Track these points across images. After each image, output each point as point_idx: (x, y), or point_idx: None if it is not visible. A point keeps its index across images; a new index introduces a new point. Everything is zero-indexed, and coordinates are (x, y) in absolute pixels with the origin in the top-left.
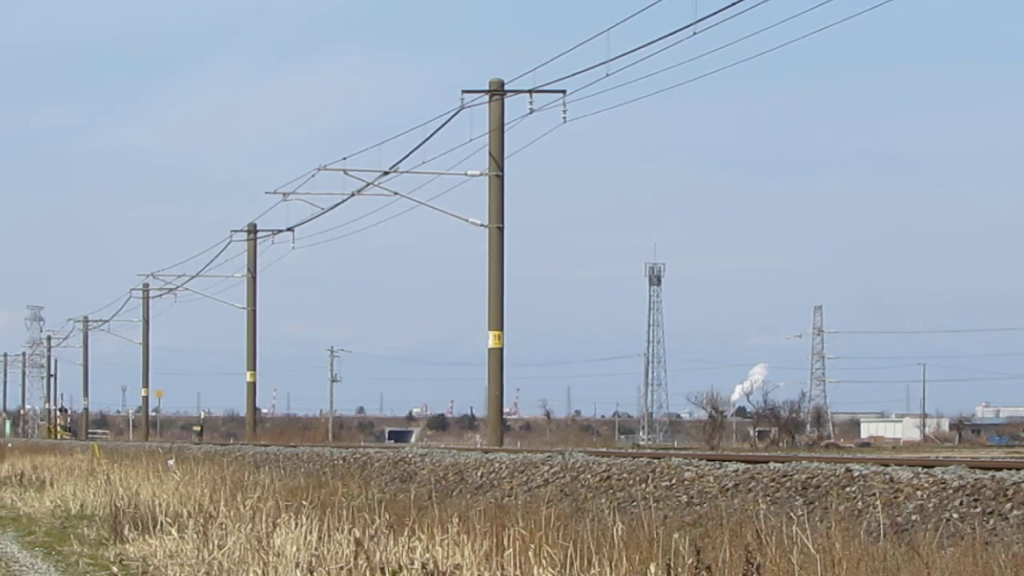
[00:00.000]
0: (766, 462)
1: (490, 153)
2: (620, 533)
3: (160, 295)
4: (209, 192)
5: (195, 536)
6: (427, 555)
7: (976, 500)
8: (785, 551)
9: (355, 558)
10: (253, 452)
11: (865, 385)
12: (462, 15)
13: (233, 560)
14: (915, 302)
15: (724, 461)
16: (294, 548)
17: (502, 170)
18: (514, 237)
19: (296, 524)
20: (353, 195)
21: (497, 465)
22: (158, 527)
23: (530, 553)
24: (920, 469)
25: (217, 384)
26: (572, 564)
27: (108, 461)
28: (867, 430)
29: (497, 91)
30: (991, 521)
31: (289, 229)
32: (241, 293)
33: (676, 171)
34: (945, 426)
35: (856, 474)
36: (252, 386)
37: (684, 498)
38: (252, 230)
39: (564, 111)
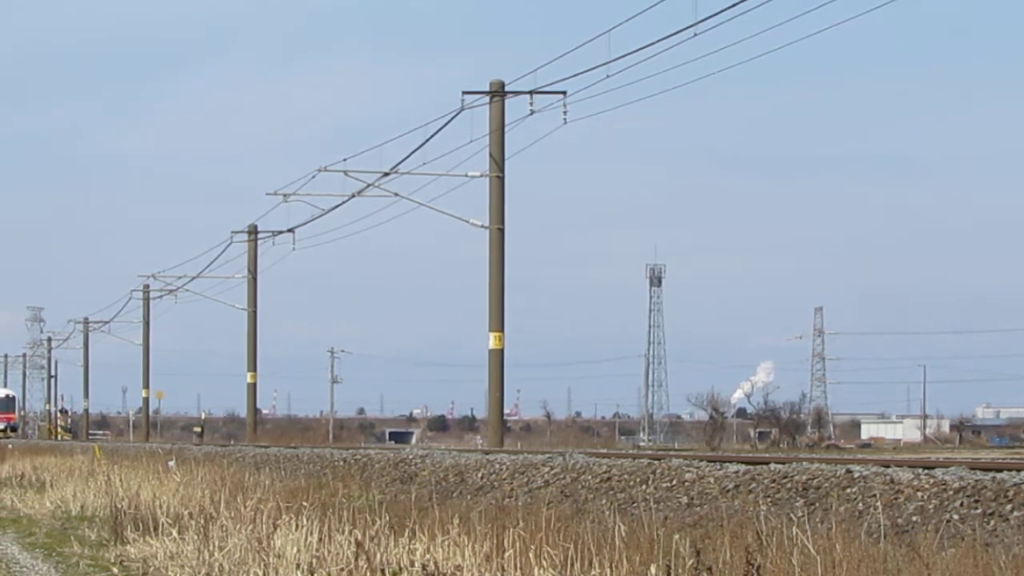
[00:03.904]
0: (767, 463)
1: (490, 154)
2: (621, 534)
3: (161, 296)
4: (209, 193)
5: (196, 537)
6: (428, 556)
7: (977, 501)
8: (786, 552)
9: (356, 559)
10: (253, 453)
11: (866, 386)
12: (462, 16)
13: (234, 561)
14: (916, 303)
15: (725, 462)
16: (295, 549)
17: (503, 171)
18: (514, 238)
19: (297, 525)
20: (353, 196)
21: (498, 466)
22: (159, 528)
23: (531, 554)
24: (921, 470)
25: (217, 385)
26: (572, 565)
27: (108, 462)
28: (867, 431)
29: (497, 92)
30: (992, 522)
31: (290, 230)
32: (242, 294)
33: (677, 172)
34: (946, 427)
35: (856, 475)
36: (252, 387)
37: (684, 499)
38: (253, 231)
39: (565, 112)
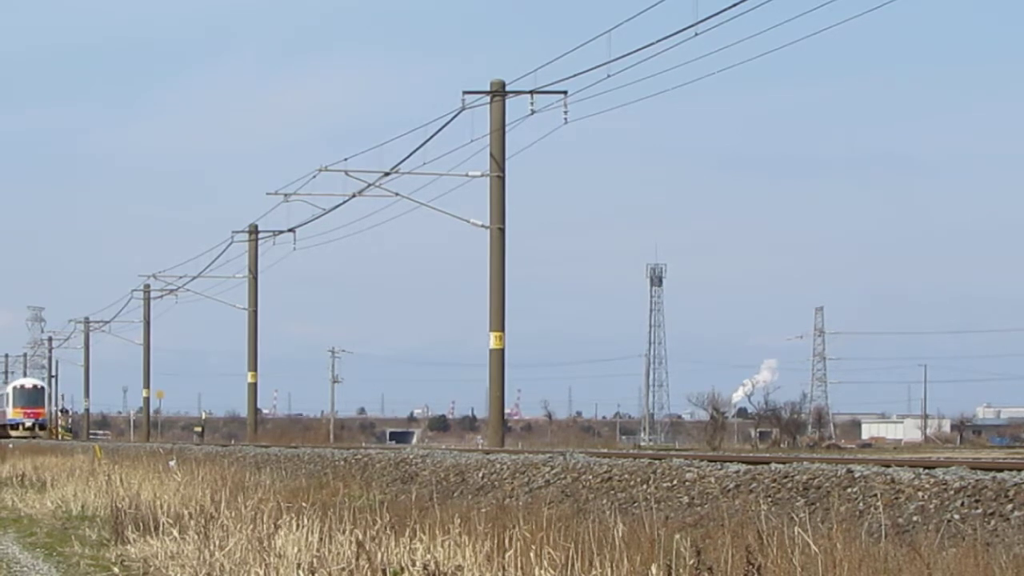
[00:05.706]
0: (767, 463)
1: (491, 154)
2: (621, 534)
3: (161, 296)
4: (210, 193)
5: (196, 537)
6: (428, 556)
7: (977, 501)
8: (786, 552)
9: (356, 559)
10: (254, 453)
11: (866, 386)
12: (463, 15)
13: (234, 561)
14: (916, 303)
15: (725, 462)
16: (295, 549)
17: (503, 171)
18: (515, 238)
19: (297, 525)
20: (354, 196)
21: (498, 466)
22: (159, 528)
23: (531, 554)
24: (921, 470)
25: (218, 385)
26: (573, 565)
27: (109, 462)
28: (868, 431)
29: (498, 92)
30: (992, 522)
31: (290, 230)
32: (242, 294)
33: (677, 172)
34: (946, 427)
35: (857, 475)
36: (253, 387)
37: (685, 499)
38: (253, 231)
39: (565, 112)
